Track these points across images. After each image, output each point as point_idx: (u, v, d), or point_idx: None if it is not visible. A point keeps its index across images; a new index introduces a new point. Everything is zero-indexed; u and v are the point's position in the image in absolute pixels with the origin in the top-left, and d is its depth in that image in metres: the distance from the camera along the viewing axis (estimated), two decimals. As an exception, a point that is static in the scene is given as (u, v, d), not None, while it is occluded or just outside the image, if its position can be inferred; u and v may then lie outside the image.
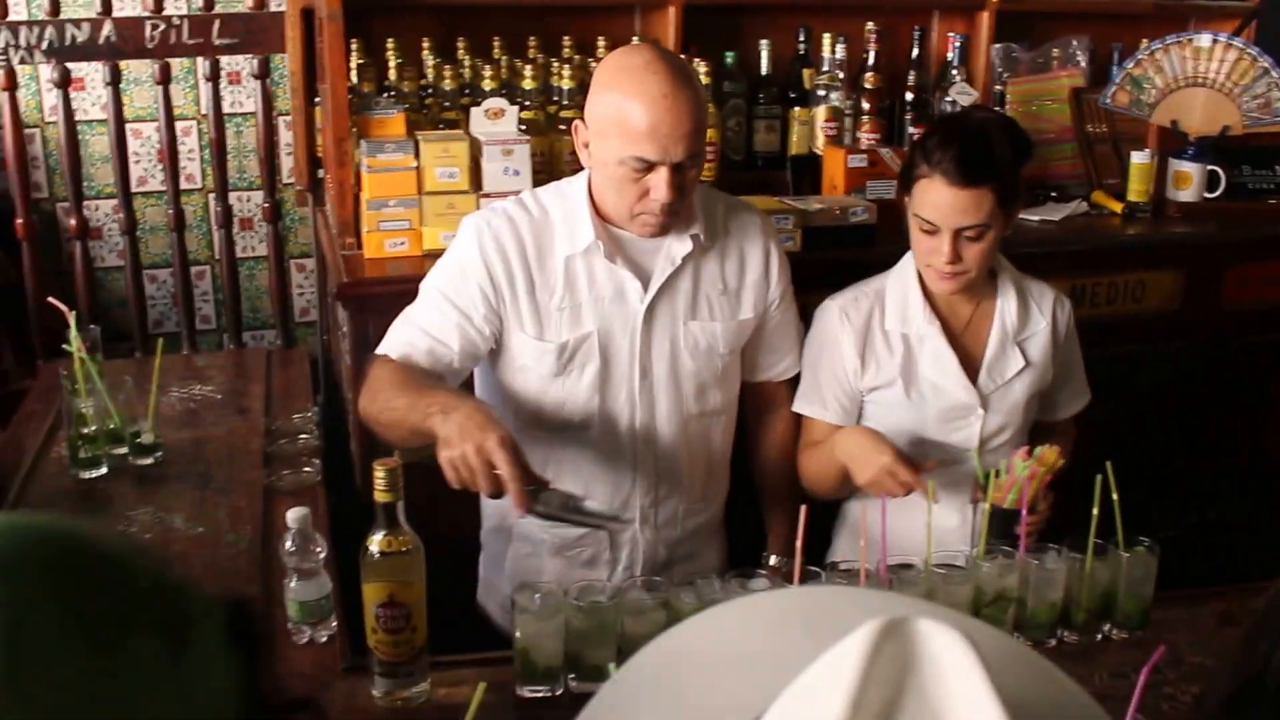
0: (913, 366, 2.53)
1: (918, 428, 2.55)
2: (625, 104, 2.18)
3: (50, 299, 3.14)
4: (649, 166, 2.20)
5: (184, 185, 4.32)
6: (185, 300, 3.75)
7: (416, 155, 2.86)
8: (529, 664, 1.92)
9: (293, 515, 2.06)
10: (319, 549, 2.07)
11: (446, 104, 3.14)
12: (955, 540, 2.38)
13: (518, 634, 1.92)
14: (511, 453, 2.00)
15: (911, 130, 3.53)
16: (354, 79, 3.12)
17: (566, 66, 3.11)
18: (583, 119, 2.31)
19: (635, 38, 3.48)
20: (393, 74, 3.21)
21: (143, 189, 4.44)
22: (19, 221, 3.49)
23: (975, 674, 0.72)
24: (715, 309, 2.43)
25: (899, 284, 2.55)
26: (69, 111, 3.45)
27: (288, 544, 2.06)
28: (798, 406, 2.60)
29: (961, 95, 3.49)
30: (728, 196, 2.57)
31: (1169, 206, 3.52)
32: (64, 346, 2.84)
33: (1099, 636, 2.16)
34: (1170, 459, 3.34)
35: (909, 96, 3.59)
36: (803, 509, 1.98)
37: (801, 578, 1.97)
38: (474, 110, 2.93)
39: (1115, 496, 2.10)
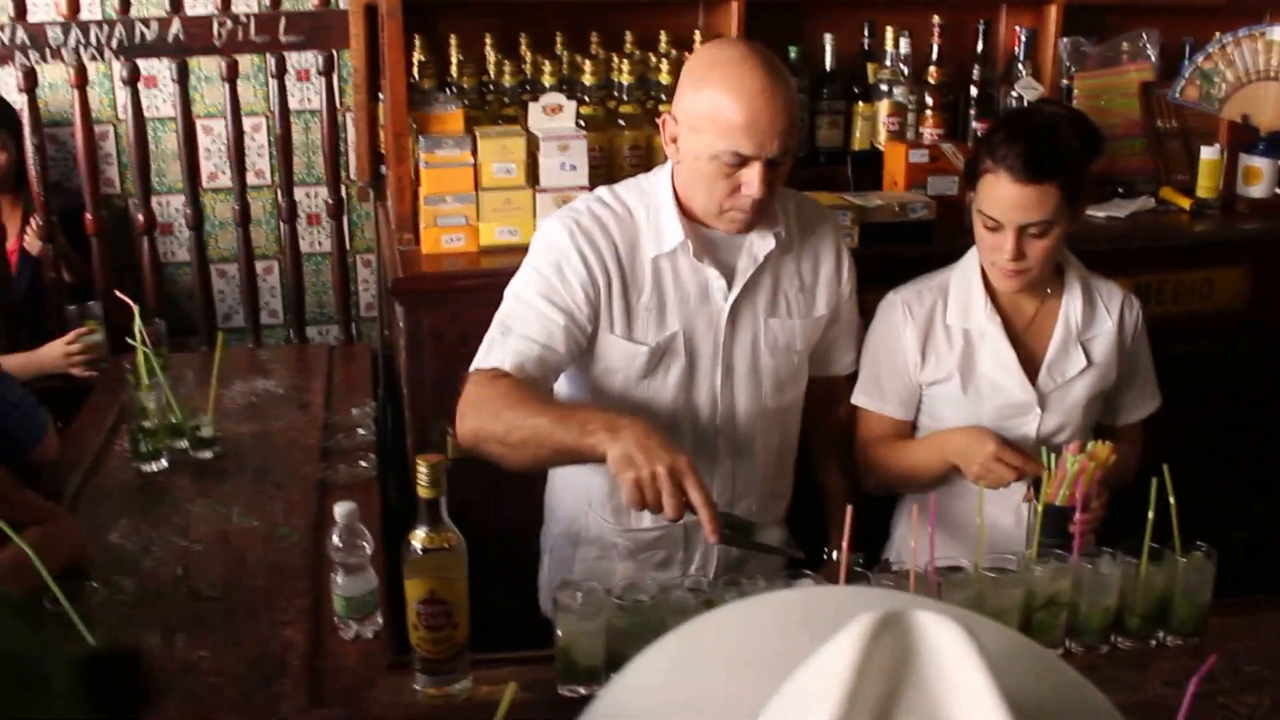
0: (971, 362, 2.51)
1: (973, 424, 2.52)
2: (722, 98, 2.15)
3: (117, 292, 3.19)
4: (743, 162, 2.18)
5: (253, 181, 4.37)
6: (249, 295, 3.79)
7: (474, 151, 2.87)
8: (570, 663, 1.92)
9: (340, 510, 2.07)
10: (366, 544, 2.08)
11: (506, 100, 3.14)
12: (1011, 540, 2.37)
13: (559, 632, 1.92)
14: (699, 476, 1.99)
15: (975, 125, 3.50)
16: (416, 75, 3.14)
17: (626, 62, 3.10)
18: (670, 113, 2.29)
19: (697, 32, 3.46)
20: (455, 70, 3.21)
21: (214, 184, 4.47)
22: (88, 217, 3.54)
23: (975, 666, 0.70)
24: (793, 306, 2.43)
25: (962, 278, 2.53)
26: (138, 108, 3.50)
27: (334, 539, 2.07)
28: (857, 399, 2.60)
29: (1027, 90, 3.44)
30: (796, 193, 2.57)
31: (1239, 203, 3.46)
32: (128, 340, 2.88)
33: (1153, 643, 2.12)
34: (1237, 461, 3.29)
35: (973, 91, 3.54)
36: (848, 510, 1.97)
37: (848, 578, 1.96)
38: (532, 106, 2.94)
39: (1172, 500, 2.06)
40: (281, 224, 3.70)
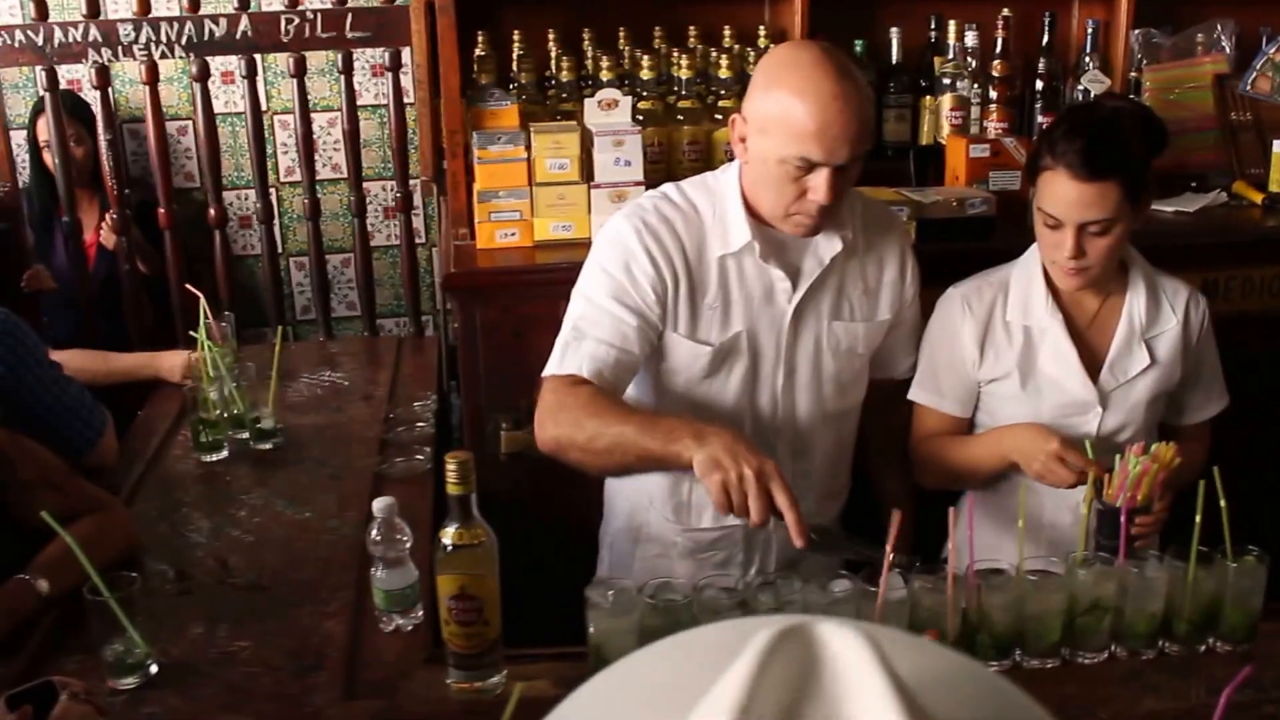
0: (1031, 359, 2.47)
1: (1033, 422, 2.48)
2: (793, 102, 2.13)
3: (188, 285, 3.25)
4: (811, 167, 2.15)
5: (330, 175, 4.43)
6: (320, 288, 3.84)
7: (528, 147, 2.88)
8: (602, 661, 1.92)
9: (378, 505, 2.09)
10: (404, 538, 2.10)
11: (565, 95, 3.15)
12: (1068, 539, 2.34)
13: (591, 629, 1.92)
14: (785, 480, 2.00)
15: (1041, 119, 3.44)
16: (475, 71, 3.16)
17: (685, 56, 3.09)
18: (740, 113, 2.26)
19: (761, 27, 3.45)
20: (515, 66, 3.23)
21: (292, 179, 4.54)
22: (161, 211, 3.61)
23: (876, 675, 0.70)
24: (857, 309, 2.42)
25: (1023, 275, 2.49)
26: (208, 104, 3.56)
27: (373, 533, 2.09)
28: (914, 395, 2.56)
29: (1094, 83, 3.39)
30: (862, 194, 2.53)
31: (1313, 198, 3.35)
32: (190, 334, 2.94)
33: (1202, 649, 2.06)
34: (1306, 465, 3.20)
35: (1038, 85, 3.49)
36: (895, 514, 1.95)
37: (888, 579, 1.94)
38: (588, 101, 2.95)
39: (1223, 504, 2.01)
40: (353, 218, 3.73)
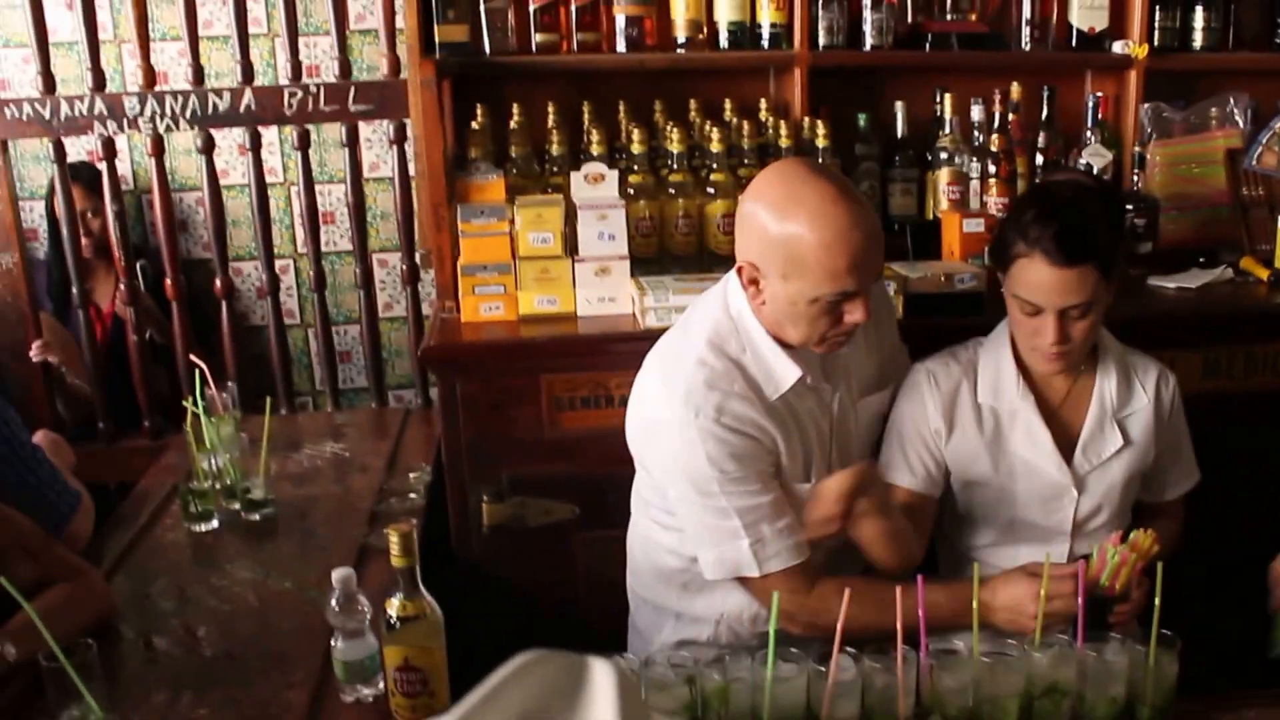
0: (1001, 442, 2.44)
1: (1007, 508, 2.47)
2: (816, 244, 2.11)
3: (192, 356, 3.28)
4: (841, 299, 2.17)
5: (347, 247, 4.46)
6: (328, 358, 3.87)
7: (512, 221, 2.90)
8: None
9: (337, 576, 2.09)
10: (364, 609, 2.09)
11: (556, 169, 3.17)
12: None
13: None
14: None
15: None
16: (468, 144, 3.19)
17: (676, 130, 3.10)
18: (747, 260, 2.22)
19: (764, 100, 3.46)
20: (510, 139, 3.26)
21: (306, 250, 4.59)
22: (168, 282, 3.66)
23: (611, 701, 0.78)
24: (872, 378, 2.48)
25: (992, 356, 2.46)
26: (213, 175, 3.61)
27: (332, 603, 2.08)
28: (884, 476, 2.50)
29: (1095, 157, 3.37)
30: None
31: (1321, 275, 3.30)
32: (184, 404, 2.96)
33: None
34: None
35: (1039, 160, 3.46)
36: (846, 592, 1.91)
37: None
38: (574, 175, 2.96)
39: (1156, 601, 1.96)
40: (359, 290, 3.77)
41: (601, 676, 0.79)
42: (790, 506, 2.29)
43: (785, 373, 2.28)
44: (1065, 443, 2.43)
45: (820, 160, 3.22)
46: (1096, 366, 2.45)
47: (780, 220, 2.13)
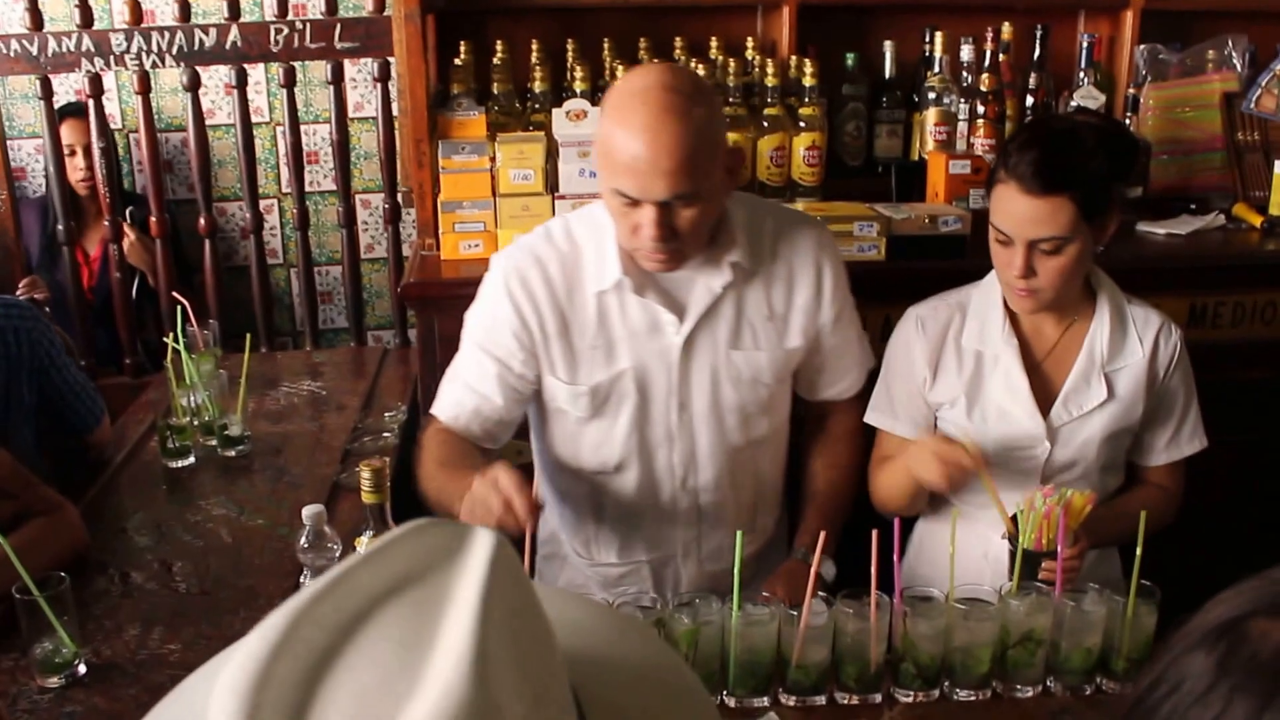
0: (980, 386, 2.36)
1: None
2: (613, 132, 2.02)
3: (175, 294, 3.26)
4: (634, 202, 2.04)
5: (332, 187, 4.43)
6: (308, 297, 3.86)
7: (493, 157, 2.86)
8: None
9: (307, 512, 2.08)
10: (334, 546, 2.08)
11: (538, 106, 3.13)
12: (996, 575, 2.20)
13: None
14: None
15: (1027, 137, 3.37)
16: (451, 81, 3.16)
17: (701, 67, 3.04)
18: None
19: (751, 39, 3.41)
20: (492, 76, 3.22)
21: (315, 189, 4.58)
22: (152, 220, 3.63)
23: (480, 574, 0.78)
24: (760, 337, 2.29)
25: (983, 298, 2.38)
26: (199, 113, 3.59)
27: (302, 540, 2.07)
28: (869, 418, 2.47)
29: (1087, 99, 3.32)
30: (781, 210, 2.43)
31: (1317, 221, 3.26)
32: (164, 340, 2.95)
33: None
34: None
35: (1029, 101, 3.41)
36: (822, 533, 1.90)
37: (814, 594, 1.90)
38: (556, 112, 2.92)
39: (1139, 550, 1.95)
40: (341, 229, 3.74)
41: (480, 544, 0.80)
42: (504, 391, 2.28)
43: (607, 273, 2.19)
44: (1048, 392, 2.35)
45: (806, 99, 3.19)
46: (1092, 315, 2.35)
47: (606, 105, 2.08)
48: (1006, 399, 2.34)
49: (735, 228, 2.22)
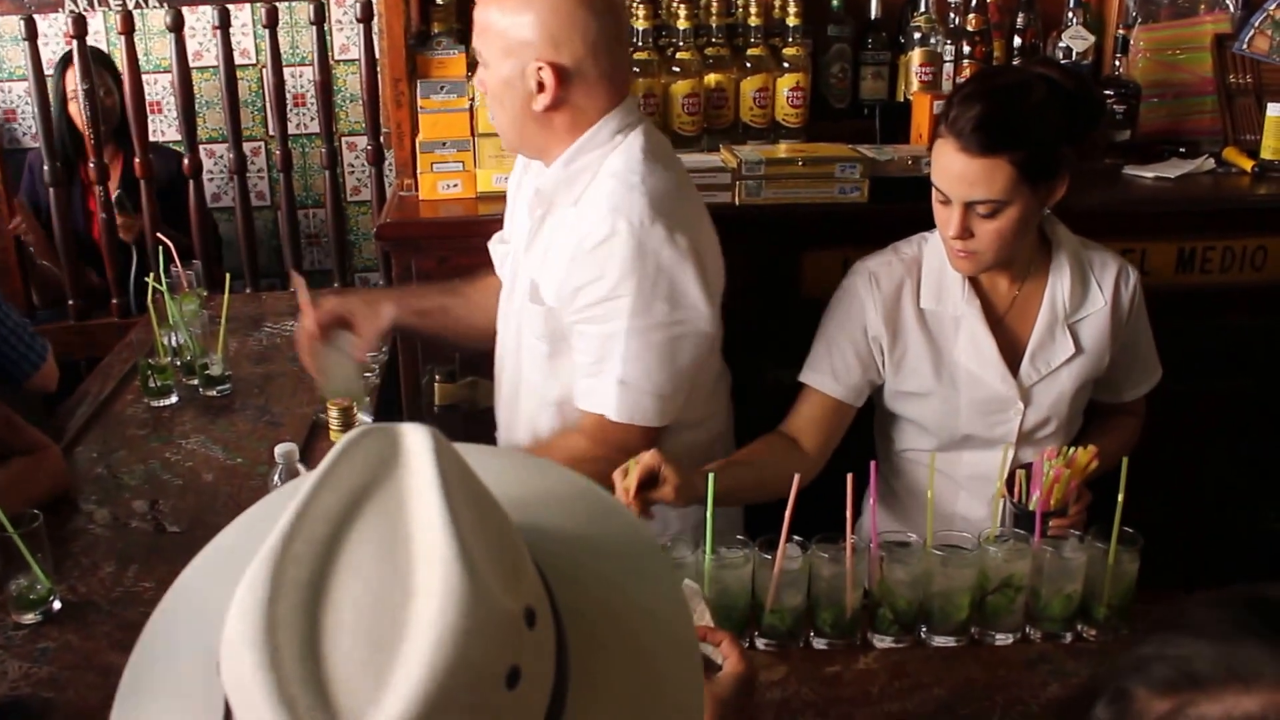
0: (945, 351, 2.28)
1: (950, 418, 2.31)
2: None
3: (159, 234, 3.25)
4: None
5: (316, 130, 4.42)
6: (292, 238, 3.85)
7: (472, 97, 2.84)
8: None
9: (280, 450, 2.08)
10: (306, 485, 2.08)
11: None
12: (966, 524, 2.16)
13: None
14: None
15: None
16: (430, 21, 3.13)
17: (642, 7, 3.00)
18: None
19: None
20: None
21: (303, 132, 4.57)
22: (136, 161, 3.62)
23: (433, 469, 0.80)
24: (552, 267, 2.15)
25: (935, 255, 2.28)
26: (182, 55, 3.56)
27: (274, 479, 2.08)
28: (803, 376, 2.34)
29: (1075, 40, 3.28)
30: (609, 161, 2.14)
31: (1308, 166, 3.21)
32: (145, 280, 2.94)
33: (1124, 633, 1.94)
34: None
35: (1016, 41, 3.38)
36: (795, 476, 1.85)
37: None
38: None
39: (1120, 497, 1.91)
40: (325, 170, 3.73)
41: (417, 440, 0.82)
42: None
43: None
44: (1012, 351, 2.27)
45: (790, 40, 3.18)
46: (1050, 267, 2.28)
47: None
48: (974, 362, 2.27)
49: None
